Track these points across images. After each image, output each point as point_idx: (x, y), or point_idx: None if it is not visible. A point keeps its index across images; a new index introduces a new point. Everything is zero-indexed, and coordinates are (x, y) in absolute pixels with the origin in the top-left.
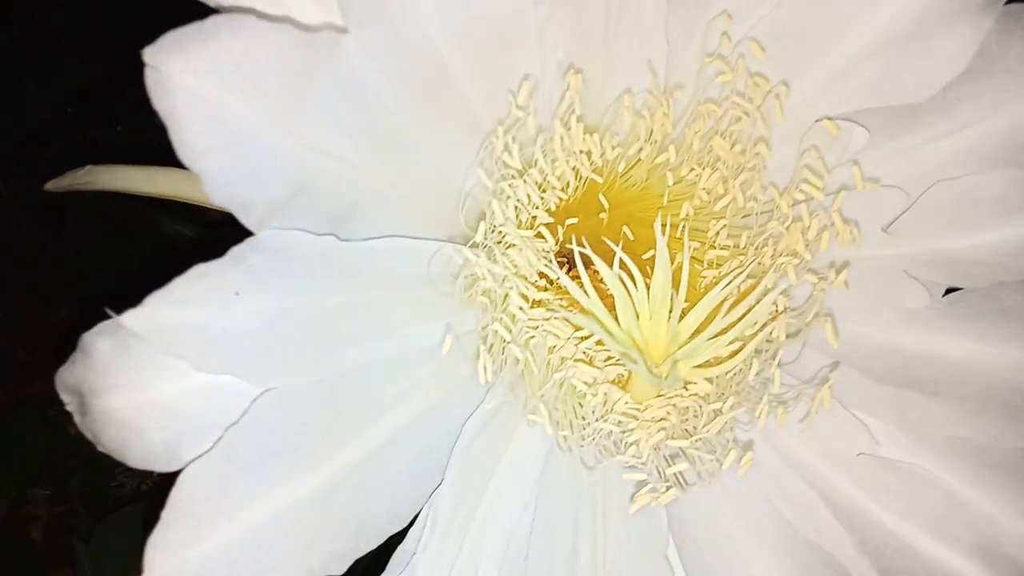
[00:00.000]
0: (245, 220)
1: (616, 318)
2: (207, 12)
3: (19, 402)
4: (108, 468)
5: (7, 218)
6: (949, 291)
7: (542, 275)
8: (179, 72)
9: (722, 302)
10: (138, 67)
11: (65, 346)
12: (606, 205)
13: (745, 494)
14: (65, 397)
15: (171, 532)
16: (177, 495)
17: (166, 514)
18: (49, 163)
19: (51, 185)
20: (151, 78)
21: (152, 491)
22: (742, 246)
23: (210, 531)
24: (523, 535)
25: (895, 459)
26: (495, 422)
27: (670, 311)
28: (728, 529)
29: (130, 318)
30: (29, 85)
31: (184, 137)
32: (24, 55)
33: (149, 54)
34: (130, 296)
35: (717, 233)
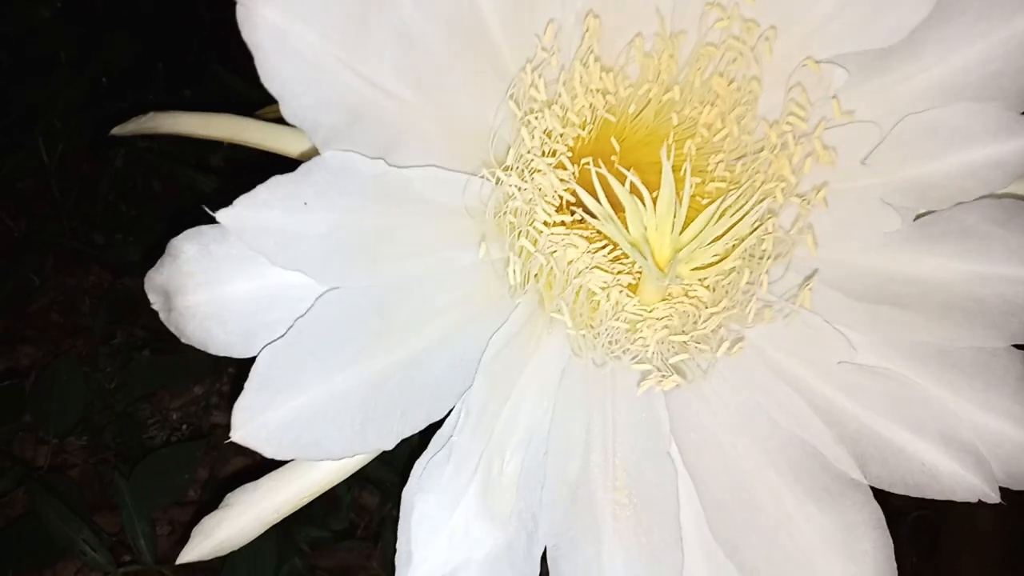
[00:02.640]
0: (313, 139)
1: (627, 227)
2: None
3: (56, 358)
4: (140, 422)
5: (49, 187)
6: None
7: (561, 201)
8: (264, 8)
9: (718, 216)
10: (170, 44)
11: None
12: (617, 148)
13: (737, 400)
14: (152, 297)
15: (252, 399)
16: (256, 371)
17: (248, 384)
18: (83, 136)
19: (117, 130)
20: (241, 14)
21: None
22: (737, 176)
23: (283, 401)
24: (543, 433)
25: (870, 364)
26: (519, 337)
27: (673, 224)
28: (722, 430)
29: (222, 215)
30: (70, 59)
31: (267, 65)
32: (66, 29)
33: None
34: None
35: (715, 167)
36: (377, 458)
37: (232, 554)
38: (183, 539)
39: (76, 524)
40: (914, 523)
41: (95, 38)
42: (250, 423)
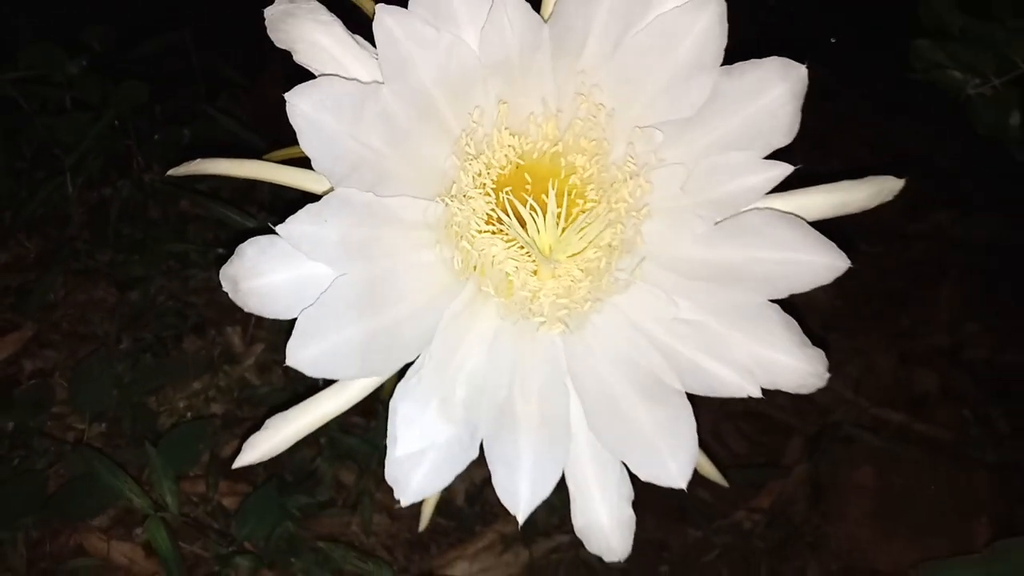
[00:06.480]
0: (330, 181)
1: (527, 231)
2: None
3: (77, 362)
4: (153, 413)
5: (57, 212)
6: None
7: (488, 217)
8: (301, 103)
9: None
10: (168, 89)
11: None
12: (529, 180)
13: (609, 344)
14: (224, 283)
15: (296, 343)
16: (297, 326)
17: (294, 333)
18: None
19: (173, 171)
20: (288, 108)
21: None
22: (601, 198)
23: (313, 344)
24: (482, 372)
25: (690, 318)
26: (465, 309)
27: (555, 229)
28: (599, 364)
29: (280, 228)
30: (87, 102)
31: (304, 138)
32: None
33: (288, 95)
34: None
35: (590, 193)
36: (358, 436)
37: (244, 508)
38: (192, 506)
39: (122, 477)
40: (804, 475)
41: (111, 86)
42: (294, 357)
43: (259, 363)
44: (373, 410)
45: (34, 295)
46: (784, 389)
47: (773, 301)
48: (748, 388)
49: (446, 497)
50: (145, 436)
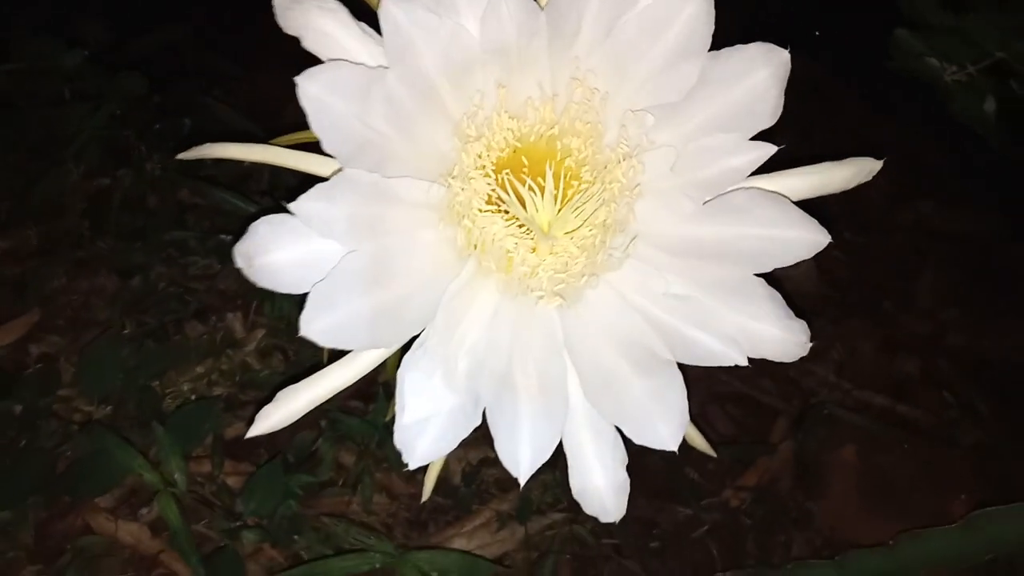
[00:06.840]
0: (339, 161)
1: (526, 210)
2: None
3: (83, 347)
4: (158, 396)
5: (69, 202)
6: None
7: (489, 197)
8: (311, 87)
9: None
10: (166, 82)
11: None
12: (526, 162)
13: (603, 318)
14: (238, 259)
15: (308, 315)
16: (309, 299)
17: (306, 306)
18: (96, 161)
19: (183, 155)
20: (299, 91)
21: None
22: (595, 179)
23: (324, 316)
24: (483, 346)
25: (679, 293)
26: (467, 285)
27: (552, 207)
28: (594, 337)
29: (292, 206)
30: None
31: (314, 120)
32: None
33: (298, 79)
34: None
35: (585, 174)
36: (358, 418)
37: (250, 484)
38: (197, 486)
39: (132, 453)
40: (789, 454)
41: (110, 77)
42: (307, 328)
43: (260, 348)
44: (372, 394)
45: (38, 282)
46: (768, 358)
47: (758, 275)
48: (735, 357)
49: (444, 476)
50: (151, 418)
